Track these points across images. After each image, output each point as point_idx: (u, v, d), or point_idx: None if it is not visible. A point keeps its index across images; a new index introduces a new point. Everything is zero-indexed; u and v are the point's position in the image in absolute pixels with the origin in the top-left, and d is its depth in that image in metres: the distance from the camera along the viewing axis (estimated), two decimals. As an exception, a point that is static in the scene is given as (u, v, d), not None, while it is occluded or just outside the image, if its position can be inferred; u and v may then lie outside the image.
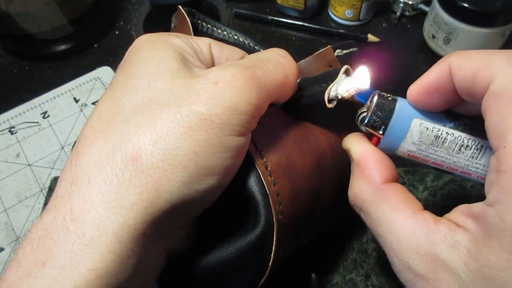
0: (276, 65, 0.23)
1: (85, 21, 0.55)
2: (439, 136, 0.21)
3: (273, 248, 0.24)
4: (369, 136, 0.23)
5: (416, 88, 0.21)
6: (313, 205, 0.27)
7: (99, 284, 0.18)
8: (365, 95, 0.22)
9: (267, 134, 0.25)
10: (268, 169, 0.24)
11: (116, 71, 0.24)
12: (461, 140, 0.21)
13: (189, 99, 0.20)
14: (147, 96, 0.21)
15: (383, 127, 0.21)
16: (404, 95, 0.22)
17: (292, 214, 0.25)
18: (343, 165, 0.28)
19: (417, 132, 0.21)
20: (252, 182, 0.24)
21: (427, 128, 0.21)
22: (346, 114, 0.23)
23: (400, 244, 0.19)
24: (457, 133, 0.21)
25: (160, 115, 0.20)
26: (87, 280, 0.18)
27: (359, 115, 0.23)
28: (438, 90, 0.20)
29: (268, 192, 0.24)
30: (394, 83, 0.51)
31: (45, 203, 0.43)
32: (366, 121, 0.22)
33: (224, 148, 0.21)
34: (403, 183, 0.40)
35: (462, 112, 0.22)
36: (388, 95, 0.22)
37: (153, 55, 0.23)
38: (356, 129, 0.23)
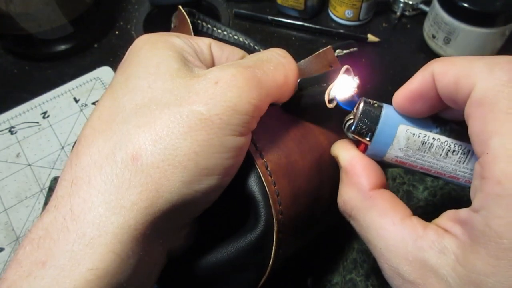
0: (276, 65, 0.23)
1: (85, 21, 0.55)
2: (425, 142, 0.21)
3: (273, 248, 0.24)
4: (357, 143, 0.23)
5: (400, 95, 0.21)
6: (313, 205, 0.27)
7: (99, 284, 0.18)
8: (351, 103, 0.23)
9: (267, 134, 0.25)
10: (268, 169, 0.24)
11: (116, 71, 0.24)
12: (448, 145, 0.21)
13: (189, 99, 0.20)
14: (147, 96, 0.21)
15: (369, 134, 0.22)
16: None
17: (292, 214, 0.25)
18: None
19: (404, 138, 0.21)
20: (252, 182, 0.24)
21: (414, 134, 0.21)
22: (346, 114, 0.23)
23: (389, 250, 0.19)
24: (443, 138, 0.21)
25: (160, 115, 0.20)
26: (87, 280, 0.18)
27: (345, 122, 0.23)
28: (422, 96, 0.20)
29: (268, 192, 0.24)
30: (394, 83, 0.51)
31: (45, 203, 0.43)
32: (352, 128, 0.22)
33: (224, 148, 0.21)
34: (403, 183, 0.40)
35: (449, 117, 0.22)
36: (374, 102, 0.22)
37: (153, 55, 0.23)
38: None
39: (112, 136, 0.20)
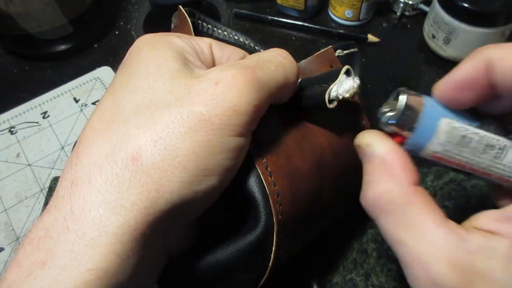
0: (276, 66, 0.23)
1: (85, 21, 0.54)
2: (466, 136, 0.20)
3: (273, 248, 0.24)
4: (391, 136, 0.22)
5: (446, 84, 0.20)
6: (313, 206, 0.27)
7: (100, 284, 0.18)
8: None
9: (268, 134, 0.25)
10: (268, 169, 0.24)
11: (116, 71, 0.24)
12: (486, 139, 0.20)
13: (190, 100, 0.20)
14: (148, 97, 0.21)
15: (409, 127, 0.21)
16: None
17: (292, 214, 0.25)
18: (343, 166, 0.28)
19: (444, 132, 0.20)
20: (252, 183, 0.24)
21: (455, 128, 0.20)
22: (347, 114, 0.23)
23: (429, 253, 0.18)
24: (482, 132, 0.20)
25: (160, 116, 0.20)
26: (87, 280, 0.18)
27: (382, 114, 0.22)
28: (471, 85, 0.19)
29: (268, 192, 0.24)
30: (394, 83, 0.51)
31: (45, 203, 0.43)
32: (393, 120, 0.21)
33: (224, 149, 0.21)
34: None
35: (485, 110, 0.21)
36: (414, 92, 0.21)
37: (154, 56, 0.23)
38: (354, 128, 0.23)
39: (112, 137, 0.20)
